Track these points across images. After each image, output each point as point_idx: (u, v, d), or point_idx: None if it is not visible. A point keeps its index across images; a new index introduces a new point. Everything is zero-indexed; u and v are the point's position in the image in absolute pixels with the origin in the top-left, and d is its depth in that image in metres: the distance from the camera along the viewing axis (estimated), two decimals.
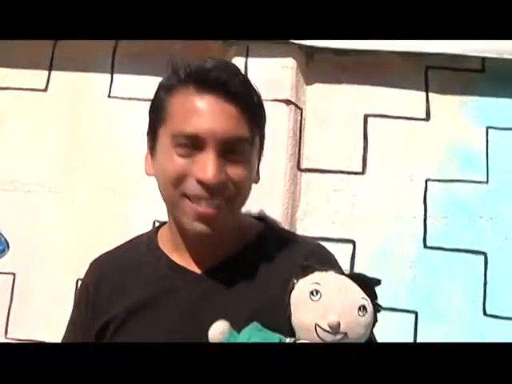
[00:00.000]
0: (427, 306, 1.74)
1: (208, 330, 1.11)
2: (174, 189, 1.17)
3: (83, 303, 1.35)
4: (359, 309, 1.07)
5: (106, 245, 1.44)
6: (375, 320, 1.12)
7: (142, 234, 1.44)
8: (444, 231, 1.78)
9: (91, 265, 1.41)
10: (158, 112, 1.24)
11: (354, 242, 1.76)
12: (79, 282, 1.55)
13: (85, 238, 1.81)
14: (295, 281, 1.12)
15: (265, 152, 1.35)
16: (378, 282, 1.13)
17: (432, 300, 1.74)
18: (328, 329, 1.04)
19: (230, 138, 1.15)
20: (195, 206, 1.15)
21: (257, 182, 1.33)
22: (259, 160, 1.30)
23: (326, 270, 1.13)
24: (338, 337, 1.06)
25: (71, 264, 1.79)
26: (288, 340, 1.09)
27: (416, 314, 1.73)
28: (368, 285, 1.11)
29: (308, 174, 1.82)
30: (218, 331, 1.10)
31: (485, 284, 1.74)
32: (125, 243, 1.43)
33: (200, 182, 1.13)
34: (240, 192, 1.18)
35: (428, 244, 1.77)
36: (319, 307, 1.06)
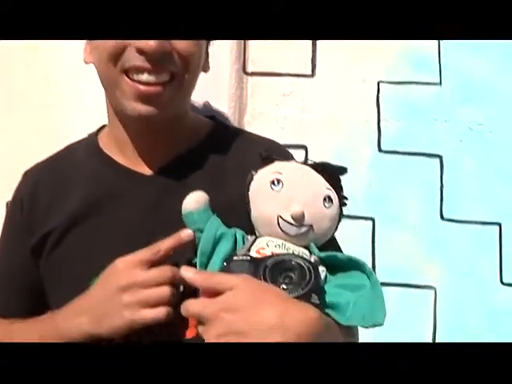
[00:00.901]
0: (384, 211, 1.69)
1: (163, 234, 1.03)
2: (112, 66, 1.05)
3: (17, 217, 1.23)
4: (324, 199, 0.99)
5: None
6: (341, 214, 1.05)
7: (79, 140, 1.32)
8: (398, 135, 1.71)
9: (24, 175, 1.28)
10: None
11: (305, 148, 1.68)
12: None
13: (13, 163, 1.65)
14: (254, 172, 1.03)
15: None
16: (343, 170, 1.04)
17: (389, 206, 1.69)
18: (291, 220, 0.96)
19: None
20: (136, 84, 1.05)
21: (206, 71, 1.23)
22: (207, 46, 1.20)
23: (287, 160, 1.06)
24: (303, 229, 0.97)
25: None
26: (249, 238, 1.02)
27: (373, 220, 1.68)
28: (333, 174, 1.03)
29: (254, 77, 1.70)
30: (194, 199, 1.02)
31: (441, 188, 1.70)
32: (61, 150, 1.30)
33: (141, 52, 1.03)
34: (188, 68, 1.08)
35: (382, 148, 1.70)
36: (281, 198, 0.97)
